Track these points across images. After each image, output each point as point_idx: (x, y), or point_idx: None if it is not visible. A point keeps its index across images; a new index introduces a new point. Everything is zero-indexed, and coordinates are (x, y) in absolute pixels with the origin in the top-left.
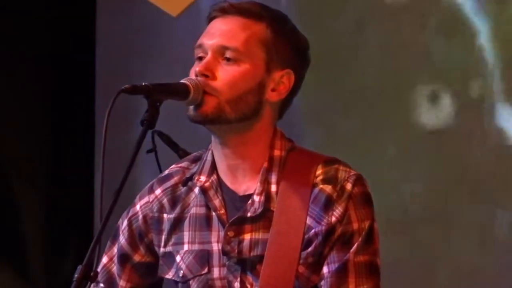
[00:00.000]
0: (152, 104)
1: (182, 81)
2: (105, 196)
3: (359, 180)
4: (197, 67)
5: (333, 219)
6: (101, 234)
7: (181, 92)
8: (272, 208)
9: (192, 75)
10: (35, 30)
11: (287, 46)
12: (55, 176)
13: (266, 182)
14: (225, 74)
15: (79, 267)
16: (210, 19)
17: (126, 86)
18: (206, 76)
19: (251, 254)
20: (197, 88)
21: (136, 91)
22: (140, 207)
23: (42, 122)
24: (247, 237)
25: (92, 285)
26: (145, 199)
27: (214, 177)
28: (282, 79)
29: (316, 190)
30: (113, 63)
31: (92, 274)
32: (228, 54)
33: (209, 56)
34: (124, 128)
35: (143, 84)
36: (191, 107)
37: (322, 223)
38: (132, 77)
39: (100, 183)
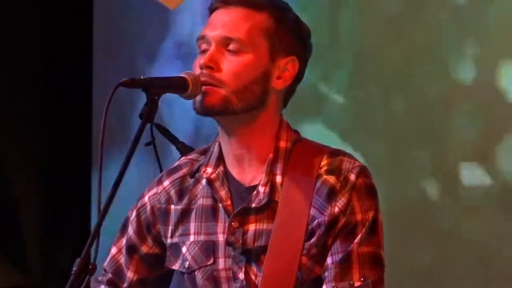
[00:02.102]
0: (150, 97)
1: (181, 75)
2: (103, 188)
3: (363, 172)
4: (201, 60)
5: (336, 209)
6: (99, 227)
7: (179, 85)
8: (276, 199)
9: (196, 68)
10: (30, 23)
11: (290, 34)
12: (52, 169)
13: (271, 173)
14: (229, 65)
15: (77, 260)
16: (212, 10)
17: (125, 79)
18: (211, 68)
19: (255, 244)
20: (196, 82)
21: (135, 84)
22: (149, 198)
23: (39, 115)
24: (251, 227)
25: (101, 276)
26: (154, 190)
27: (220, 168)
28: (287, 66)
29: (320, 181)
30: (111, 55)
31: (90, 267)
32: (231, 45)
33: (212, 48)
34: (122, 120)
35: (142, 77)
36: (197, 100)
37: (325, 213)
38: (130, 71)
39: (98, 175)
